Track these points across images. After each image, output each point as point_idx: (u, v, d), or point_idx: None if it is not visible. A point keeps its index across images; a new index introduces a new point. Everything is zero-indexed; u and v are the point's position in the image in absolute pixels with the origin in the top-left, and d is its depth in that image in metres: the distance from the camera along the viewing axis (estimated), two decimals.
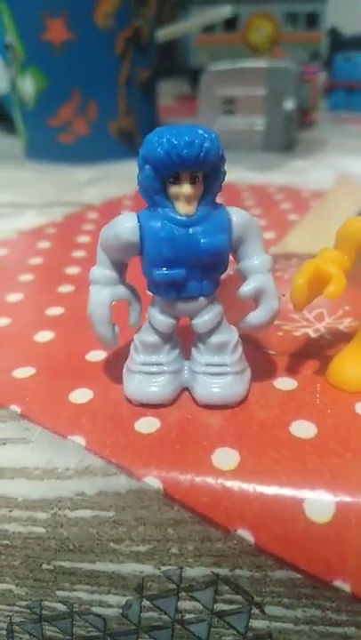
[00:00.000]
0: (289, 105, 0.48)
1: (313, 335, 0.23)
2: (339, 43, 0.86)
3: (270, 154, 0.50)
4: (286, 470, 0.16)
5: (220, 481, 0.16)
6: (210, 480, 0.16)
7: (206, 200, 0.17)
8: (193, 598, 0.17)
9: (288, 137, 0.51)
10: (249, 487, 0.16)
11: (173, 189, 0.16)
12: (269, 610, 0.16)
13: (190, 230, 0.17)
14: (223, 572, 0.16)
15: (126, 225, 0.17)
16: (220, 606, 0.17)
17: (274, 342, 0.23)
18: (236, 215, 0.18)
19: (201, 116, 0.53)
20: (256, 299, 0.18)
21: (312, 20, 0.78)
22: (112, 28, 0.46)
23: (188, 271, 0.17)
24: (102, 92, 0.48)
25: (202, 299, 0.18)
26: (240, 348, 0.19)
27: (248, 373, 0.19)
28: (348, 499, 0.15)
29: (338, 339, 0.23)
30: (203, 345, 0.19)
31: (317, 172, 0.46)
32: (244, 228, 0.18)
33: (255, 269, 0.18)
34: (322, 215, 0.35)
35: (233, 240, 0.18)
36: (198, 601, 0.17)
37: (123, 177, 0.47)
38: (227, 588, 0.16)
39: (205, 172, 0.17)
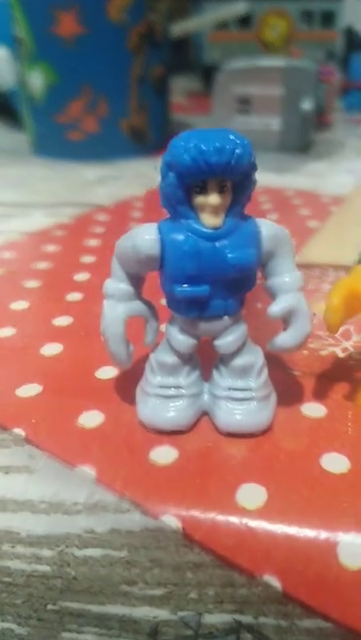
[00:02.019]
0: (307, 105, 0.46)
1: (341, 355, 0.21)
2: (355, 42, 0.84)
3: (287, 155, 0.48)
4: (318, 510, 0.15)
5: (244, 521, 0.15)
6: (234, 520, 0.15)
7: (234, 211, 0.16)
8: None
9: (305, 138, 0.49)
10: (277, 528, 0.15)
11: (199, 199, 0.15)
12: None
13: (217, 244, 0.15)
14: (246, 619, 0.15)
15: (146, 237, 0.16)
16: None
17: (299, 362, 0.21)
18: (267, 228, 0.16)
19: (216, 116, 0.51)
20: (286, 319, 0.17)
21: (328, 18, 0.76)
22: (125, 22, 0.45)
23: (212, 288, 0.16)
24: (113, 89, 0.46)
25: (226, 318, 0.16)
26: (265, 371, 0.18)
27: (273, 398, 0.18)
28: None
29: None
30: (225, 367, 0.17)
31: (336, 176, 0.44)
32: (274, 243, 0.16)
33: (286, 288, 0.17)
34: (343, 223, 0.34)
35: (262, 255, 0.16)
36: None
37: (134, 176, 0.45)
38: (250, 636, 0.15)
39: (235, 180, 0.15)
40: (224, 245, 0.15)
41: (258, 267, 0.16)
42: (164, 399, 0.17)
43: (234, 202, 0.16)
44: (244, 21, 0.75)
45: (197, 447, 0.17)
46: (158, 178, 0.16)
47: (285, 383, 0.20)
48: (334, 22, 0.76)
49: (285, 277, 0.17)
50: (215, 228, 0.15)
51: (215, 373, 0.18)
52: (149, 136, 0.50)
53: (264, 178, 0.44)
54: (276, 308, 0.16)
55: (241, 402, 0.17)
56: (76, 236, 0.35)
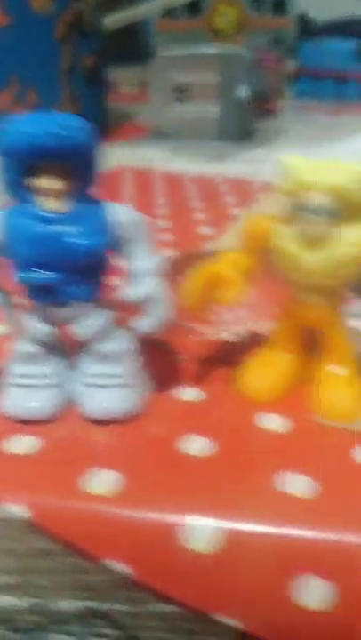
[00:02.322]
0: (242, 92, 0.46)
1: (230, 339, 0.21)
2: (308, 30, 0.83)
3: (225, 143, 0.48)
4: (168, 494, 0.15)
5: (94, 507, 0.15)
6: (83, 507, 0.15)
7: (80, 196, 0.15)
8: (66, 633, 0.15)
9: (243, 126, 0.49)
10: (125, 514, 0.14)
11: (35, 183, 0.15)
12: None
13: (60, 229, 0.15)
14: (97, 605, 0.15)
15: None
16: None
17: (185, 347, 0.21)
18: (120, 213, 0.16)
19: (152, 104, 0.51)
20: (144, 304, 0.17)
21: (279, 5, 0.75)
22: (51, 12, 0.44)
23: (61, 274, 0.15)
24: (42, 79, 0.45)
25: (82, 304, 0.16)
26: (135, 357, 0.18)
27: (145, 384, 0.18)
28: (233, 526, 0.14)
29: (255, 344, 0.21)
30: (90, 354, 0.17)
31: (273, 163, 0.44)
32: (128, 228, 0.16)
33: (144, 272, 0.16)
34: (266, 209, 0.33)
35: (116, 240, 0.16)
36: (73, 635, 0.15)
37: None
38: (101, 622, 0.15)
39: (74, 164, 0.15)
40: (67, 231, 0.15)
41: (111, 252, 0.16)
42: (26, 389, 0.17)
43: (78, 186, 0.15)
44: (194, 9, 0.75)
45: (62, 435, 0.17)
46: None
47: (166, 368, 0.20)
48: (286, 9, 0.76)
49: (143, 262, 0.16)
50: (56, 213, 0.15)
51: (81, 361, 0.17)
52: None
53: (196, 166, 0.44)
54: (131, 291, 0.16)
55: (107, 388, 0.17)
56: None
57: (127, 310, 0.17)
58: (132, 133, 0.57)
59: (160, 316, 0.16)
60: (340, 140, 0.41)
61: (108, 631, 0.15)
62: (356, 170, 0.14)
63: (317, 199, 0.14)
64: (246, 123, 0.49)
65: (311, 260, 0.15)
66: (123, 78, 0.90)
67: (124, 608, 0.15)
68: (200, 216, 0.34)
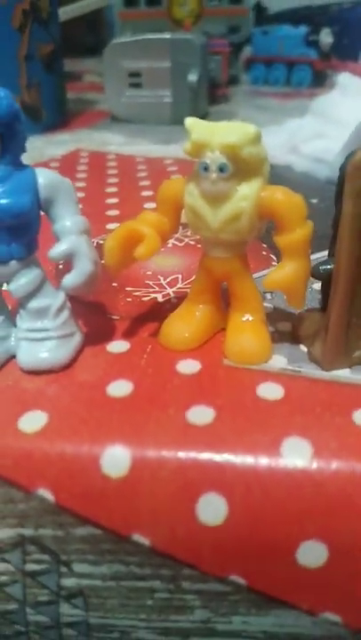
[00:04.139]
0: (193, 77, 0.48)
1: (161, 300, 0.23)
2: (264, 18, 0.85)
3: (178, 127, 0.50)
4: (90, 429, 0.16)
5: (22, 443, 0.16)
6: (12, 443, 0.16)
7: (6, 160, 0.17)
8: (3, 560, 0.17)
9: (196, 109, 0.50)
10: (50, 448, 0.16)
11: None
12: (77, 567, 0.16)
13: None
14: (28, 532, 0.16)
15: None
16: (31, 566, 0.17)
17: (120, 308, 0.22)
18: (43, 176, 0.18)
19: (108, 90, 0.52)
20: (70, 261, 0.18)
21: None
22: (7, 0, 0.45)
23: None
24: (1, 67, 0.46)
25: (13, 262, 0.18)
26: (66, 312, 0.19)
27: (77, 338, 0.19)
28: (142, 453, 0.15)
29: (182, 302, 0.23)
30: (24, 310, 0.19)
31: None
32: (51, 190, 0.18)
33: (67, 231, 0.18)
34: None
35: (41, 202, 0.18)
36: (9, 562, 0.17)
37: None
38: (34, 548, 0.16)
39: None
40: None
41: (37, 213, 0.18)
42: None
43: (5, 151, 0.17)
44: None
45: (1, 385, 0.18)
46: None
47: (101, 326, 0.21)
48: None
49: (67, 222, 0.18)
50: None
51: (17, 317, 0.19)
52: (43, 113, 0.51)
53: (149, 148, 0.46)
54: (55, 250, 0.18)
55: (39, 342, 0.18)
56: None
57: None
58: (93, 119, 0.58)
59: (84, 271, 0.18)
60: (285, 122, 0.42)
61: (40, 556, 0.16)
62: (249, 130, 0.16)
63: (212, 158, 0.16)
64: (198, 107, 0.51)
65: (213, 216, 0.17)
66: (86, 68, 0.91)
67: (53, 533, 0.16)
68: (147, 193, 0.35)
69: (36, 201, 0.17)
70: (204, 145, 0.16)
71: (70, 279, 0.18)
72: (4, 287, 0.18)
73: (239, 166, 0.16)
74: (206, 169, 0.16)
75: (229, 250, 0.18)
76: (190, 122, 0.17)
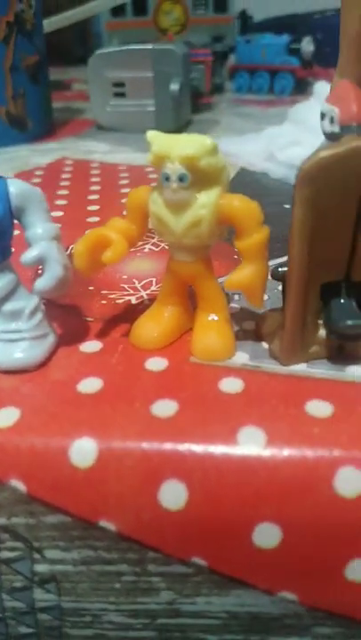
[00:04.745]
0: (175, 86, 0.49)
1: (134, 302, 0.24)
2: (249, 26, 0.87)
3: None
4: (59, 422, 0.17)
5: None
6: None
7: None
8: None
9: (178, 118, 0.52)
10: (22, 441, 0.17)
11: None
12: (49, 554, 0.17)
13: None
14: (1, 521, 0.17)
15: None
16: (5, 554, 0.17)
17: (95, 310, 0.23)
18: (14, 186, 0.19)
19: (93, 100, 0.53)
20: (41, 266, 0.19)
21: (221, 3, 0.78)
22: None
23: None
24: None
25: None
26: (39, 314, 0.20)
27: (50, 339, 0.20)
28: (110, 444, 0.16)
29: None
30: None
31: None
32: (22, 199, 0.19)
33: (39, 237, 0.19)
34: None
35: (13, 210, 0.19)
36: None
37: (6, 160, 0.47)
38: (7, 535, 0.17)
39: None
40: None
41: (9, 221, 0.19)
42: None
43: None
44: (140, 9, 0.77)
45: None
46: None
47: (75, 327, 0.22)
48: (227, 7, 0.79)
49: (38, 229, 0.19)
50: None
51: None
52: (29, 123, 0.52)
53: (133, 156, 0.47)
54: (27, 255, 0.19)
55: (14, 342, 0.19)
56: None
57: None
58: (79, 128, 0.59)
59: (54, 275, 0.19)
60: (264, 130, 0.44)
61: (14, 544, 0.17)
62: (205, 142, 0.17)
63: (172, 168, 0.17)
64: (181, 115, 0.52)
65: (176, 222, 0.18)
66: (75, 77, 0.92)
67: (25, 521, 0.17)
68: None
69: (9, 209, 0.18)
70: (164, 156, 0.17)
71: (41, 283, 0.19)
72: None
73: (198, 176, 0.17)
74: (167, 179, 0.17)
75: (192, 254, 0.19)
76: (151, 135, 0.18)
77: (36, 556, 0.17)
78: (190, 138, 0.17)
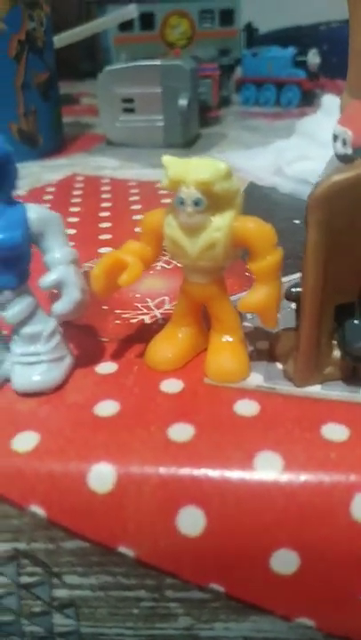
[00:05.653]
0: (183, 101, 0.49)
1: (148, 321, 0.24)
2: (255, 39, 0.87)
3: (171, 150, 0.51)
4: (77, 447, 0.17)
5: (16, 462, 0.17)
6: (6, 462, 0.17)
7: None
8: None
9: (187, 133, 0.52)
10: (41, 466, 0.17)
11: None
12: (68, 579, 0.17)
13: None
14: (22, 546, 0.17)
15: None
16: (25, 579, 0.18)
17: (109, 330, 0.24)
18: (34, 212, 0.19)
19: (102, 116, 0.54)
20: (58, 289, 0.19)
21: (227, 16, 0.79)
22: (4, 31, 0.47)
23: None
24: None
25: (7, 292, 0.19)
26: (57, 337, 0.20)
27: (67, 361, 0.20)
28: (128, 469, 0.17)
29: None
30: (17, 336, 0.20)
31: None
32: (41, 224, 0.19)
33: (57, 262, 0.19)
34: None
35: (32, 235, 0.19)
36: (5, 575, 0.18)
37: (20, 177, 0.47)
38: (27, 561, 0.17)
39: None
40: None
41: (28, 246, 0.19)
42: None
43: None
44: (147, 23, 0.78)
45: None
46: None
47: (90, 348, 0.22)
48: (233, 20, 0.80)
49: (56, 254, 0.19)
50: None
51: (12, 343, 0.20)
52: (40, 139, 0.53)
53: (142, 172, 0.47)
54: (45, 279, 0.19)
55: (32, 365, 0.20)
56: None
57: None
58: (88, 144, 0.60)
59: (72, 299, 0.19)
60: (272, 143, 0.44)
61: (34, 569, 0.18)
62: (220, 167, 0.17)
63: (187, 193, 0.17)
64: (189, 130, 0.52)
65: (191, 245, 0.18)
66: (84, 91, 0.93)
67: (45, 546, 0.17)
68: (139, 217, 0.36)
69: (27, 235, 0.19)
70: (179, 181, 0.17)
71: (59, 306, 0.19)
72: (1, 314, 0.19)
73: (212, 200, 0.17)
74: (182, 203, 0.18)
75: (207, 275, 0.19)
76: (167, 159, 0.18)
77: (56, 581, 0.17)
78: (204, 162, 0.18)
